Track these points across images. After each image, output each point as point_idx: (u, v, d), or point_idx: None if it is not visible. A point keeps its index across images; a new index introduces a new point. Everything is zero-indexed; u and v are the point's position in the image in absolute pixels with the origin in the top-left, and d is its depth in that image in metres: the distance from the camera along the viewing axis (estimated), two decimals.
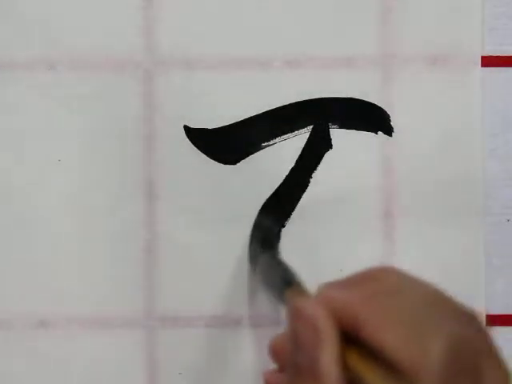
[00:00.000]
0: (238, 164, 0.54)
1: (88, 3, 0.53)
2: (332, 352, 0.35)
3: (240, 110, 0.54)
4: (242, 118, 0.54)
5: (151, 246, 0.53)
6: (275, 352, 0.42)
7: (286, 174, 0.54)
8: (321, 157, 0.54)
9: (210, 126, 0.54)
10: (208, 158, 0.54)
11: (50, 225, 0.53)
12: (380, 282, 0.37)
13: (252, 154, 0.54)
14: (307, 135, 0.54)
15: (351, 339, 0.36)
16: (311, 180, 0.54)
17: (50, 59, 0.53)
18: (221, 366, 0.53)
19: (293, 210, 0.54)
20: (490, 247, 0.54)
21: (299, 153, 0.54)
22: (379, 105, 0.54)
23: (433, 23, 0.54)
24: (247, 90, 0.54)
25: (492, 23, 0.54)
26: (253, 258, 0.51)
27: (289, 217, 0.54)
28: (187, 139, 0.53)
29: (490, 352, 0.36)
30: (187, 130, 0.53)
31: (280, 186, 0.54)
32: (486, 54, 0.54)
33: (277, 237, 0.53)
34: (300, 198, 0.54)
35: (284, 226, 0.53)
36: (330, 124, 0.54)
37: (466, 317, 0.36)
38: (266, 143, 0.54)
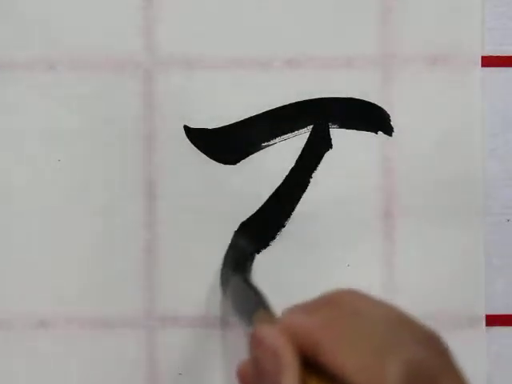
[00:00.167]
0: (237, 164, 0.54)
1: (88, 3, 0.53)
2: (293, 379, 0.35)
3: (240, 110, 0.54)
4: (242, 118, 0.54)
5: (151, 246, 0.53)
6: (242, 377, 0.41)
7: (286, 174, 0.54)
8: (321, 157, 0.54)
9: (210, 126, 0.54)
10: (208, 158, 0.54)
11: (50, 225, 0.53)
12: (340, 305, 0.37)
13: (252, 153, 0.54)
14: (307, 135, 0.54)
15: (313, 365, 0.36)
16: (311, 180, 0.54)
17: (50, 59, 0.53)
18: (221, 366, 0.53)
19: (293, 210, 0.54)
20: (489, 247, 0.54)
21: (299, 153, 0.54)
22: (379, 105, 0.54)
23: (433, 23, 0.54)
24: (247, 90, 0.54)
25: (492, 23, 0.54)
26: (224, 280, 0.51)
27: (289, 217, 0.54)
28: (187, 139, 0.53)
29: (451, 372, 0.36)
30: (187, 130, 0.53)
31: (280, 185, 0.54)
32: (486, 54, 0.54)
33: (250, 259, 0.53)
34: (300, 197, 0.54)
35: (284, 226, 0.53)
36: (330, 124, 0.54)
37: (425, 338, 0.36)
38: (266, 143, 0.54)
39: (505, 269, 0.54)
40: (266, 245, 0.53)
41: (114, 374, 0.53)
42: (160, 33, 0.53)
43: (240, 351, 0.53)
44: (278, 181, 0.54)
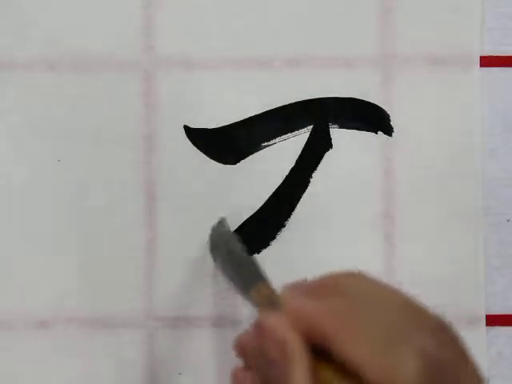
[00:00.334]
0: (237, 164, 0.54)
1: (88, 3, 0.53)
2: (303, 371, 0.35)
3: (240, 110, 0.54)
4: (242, 118, 0.54)
5: (151, 245, 0.53)
6: (241, 350, 0.41)
7: (286, 174, 0.54)
8: (321, 157, 0.54)
9: (210, 126, 0.54)
10: (208, 158, 0.54)
11: (50, 225, 0.53)
12: (347, 291, 0.37)
13: (252, 153, 0.54)
14: (307, 135, 0.54)
15: (322, 352, 0.35)
16: (311, 180, 0.54)
17: (50, 59, 0.53)
18: (221, 366, 0.53)
19: (293, 210, 0.54)
20: (489, 247, 0.54)
21: (299, 153, 0.54)
22: (379, 105, 0.54)
23: (432, 23, 0.54)
24: (247, 90, 0.54)
25: (492, 23, 0.54)
26: (214, 247, 0.50)
27: (289, 217, 0.54)
28: (187, 139, 0.53)
29: (465, 361, 0.36)
30: (187, 129, 0.53)
31: (280, 185, 0.54)
32: (485, 54, 0.54)
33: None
34: (300, 197, 0.54)
35: (284, 226, 0.53)
36: (330, 124, 0.54)
37: (437, 327, 0.36)
38: (266, 143, 0.54)
39: (505, 269, 0.54)
40: (266, 245, 0.53)
41: (114, 374, 0.53)
42: (160, 33, 0.53)
43: None
44: (278, 181, 0.54)
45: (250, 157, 0.54)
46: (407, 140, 0.54)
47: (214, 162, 0.54)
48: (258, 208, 0.53)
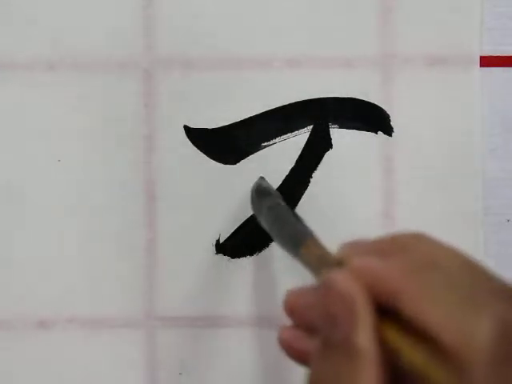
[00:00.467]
0: (237, 164, 0.54)
1: (88, 3, 0.53)
2: (368, 331, 0.33)
3: (240, 110, 0.54)
4: (242, 118, 0.54)
5: (151, 245, 0.53)
6: (291, 310, 0.40)
7: (286, 174, 0.54)
8: (321, 157, 0.54)
9: (210, 126, 0.54)
10: (208, 158, 0.53)
11: (50, 225, 0.53)
12: (416, 252, 0.35)
13: (252, 153, 0.54)
14: (307, 135, 0.54)
15: (386, 312, 0.34)
16: (311, 180, 0.54)
17: (50, 59, 0.53)
18: (221, 366, 0.53)
19: (293, 210, 0.54)
20: (489, 247, 0.54)
21: (299, 153, 0.54)
22: (379, 105, 0.54)
23: (432, 23, 0.54)
24: (247, 90, 0.54)
25: (491, 23, 0.54)
26: (256, 205, 0.50)
27: None
28: (187, 139, 0.53)
29: None
30: (187, 130, 0.53)
31: (280, 185, 0.54)
32: (485, 54, 0.54)
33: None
34: (300, 197, 0.54)
35: None
36: (330, 124, 0.54)
37: (509, 295, 0.34)
38: (265, 143, 0.54)
39: (505, 269, 0.54)
40: (266, 245, 0.53)
41: (114, 374, 0.53)
42: (160, 33, 0.53)
43: (241, 351, 0.53)
44: (278, 181, 0.54)
45: (250, 157, 0.54)
46: (407, 140, 0.54)
47: (214, 161, 0.54)
48: None
